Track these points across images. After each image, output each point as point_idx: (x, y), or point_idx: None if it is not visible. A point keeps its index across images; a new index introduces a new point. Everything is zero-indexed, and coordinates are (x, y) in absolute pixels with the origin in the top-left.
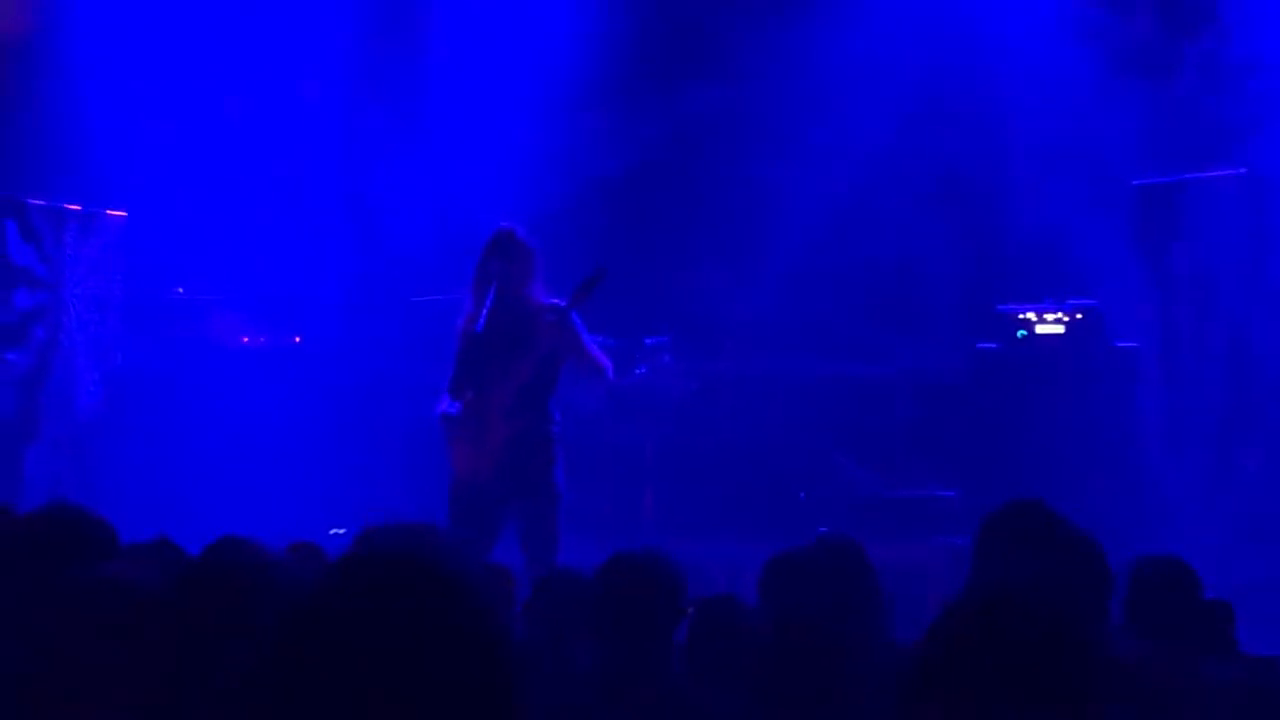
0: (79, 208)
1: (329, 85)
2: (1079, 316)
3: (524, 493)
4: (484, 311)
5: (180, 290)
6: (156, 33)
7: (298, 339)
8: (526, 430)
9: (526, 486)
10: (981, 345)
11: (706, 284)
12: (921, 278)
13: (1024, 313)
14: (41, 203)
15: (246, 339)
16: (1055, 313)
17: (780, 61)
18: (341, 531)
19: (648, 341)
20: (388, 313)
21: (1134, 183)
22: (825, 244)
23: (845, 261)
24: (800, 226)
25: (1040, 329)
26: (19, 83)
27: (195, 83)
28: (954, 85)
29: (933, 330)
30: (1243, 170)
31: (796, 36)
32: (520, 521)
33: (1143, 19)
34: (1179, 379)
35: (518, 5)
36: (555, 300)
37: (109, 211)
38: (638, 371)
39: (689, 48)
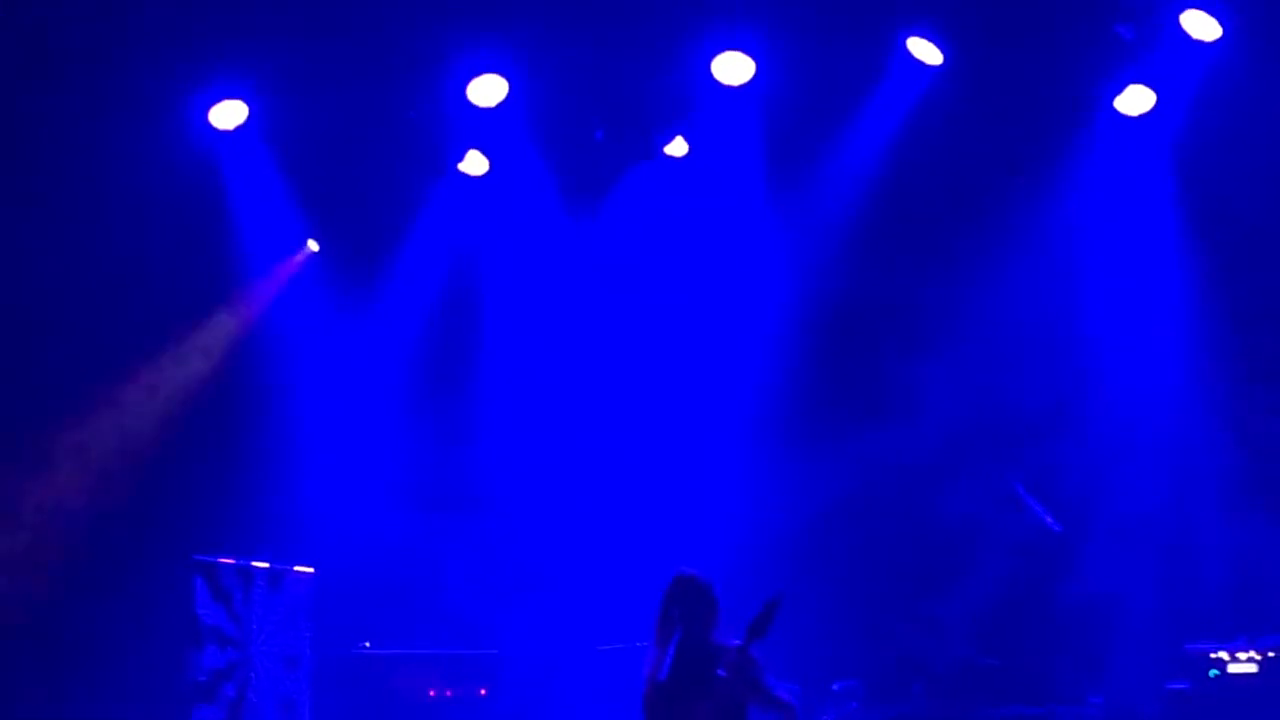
0: (266, 565)
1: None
2: (1272, 655)
3: None
4: (668, 659)
5: (367, 645)
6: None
7: (483, 691)
8: None
9: None
10: (1171, 685)
11: (893, 629)
12: (1111, 615)
13: (1215, 651)
14: (230, 560)
15: (433, 692)
16: (1248, 650)
17: (964, 405)
18: None
19: (835, 687)
20: (574, 662)
21: None
22: (1014, 582)
23: (1033, 601)
24: (988, 563)
25: (1233, 668)
26: (209, 442)
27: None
28: (1138, 421)
29: (1124, 670)
30: None
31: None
32: None
33: None
34: None
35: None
36: (734, 641)
37: (296, 568)
38: (826, 718)
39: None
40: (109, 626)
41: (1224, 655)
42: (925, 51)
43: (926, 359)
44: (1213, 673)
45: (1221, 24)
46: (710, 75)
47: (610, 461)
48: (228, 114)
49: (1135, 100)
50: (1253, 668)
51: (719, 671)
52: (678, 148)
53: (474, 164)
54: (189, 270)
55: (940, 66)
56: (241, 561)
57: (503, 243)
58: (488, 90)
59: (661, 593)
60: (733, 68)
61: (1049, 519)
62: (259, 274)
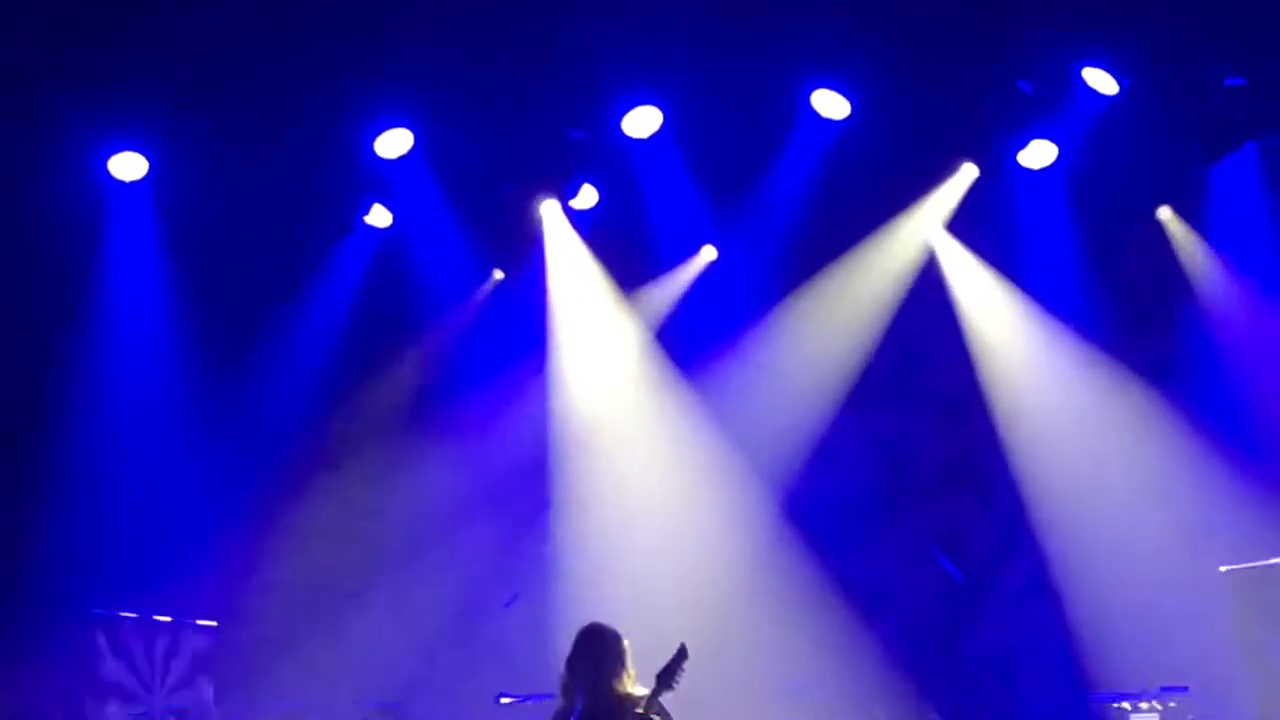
0: (169, 619)
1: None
2: (1172, 705)
3: None
4: (576, 710)
5: (270, 701)
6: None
7: None
8: None
9: None
10: None
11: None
12: (1016, 666)
13: (1118, 702)
14: (132, 615)
15: None
16: (1150, 701)
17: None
18: None
19: None
20: (477, 715)
21: (1222, 569)
22: (921, 638)
23: (940, 656)
24: (897, 623)
25: (1135, 718)
26: (106, 499)
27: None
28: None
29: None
30: None
31: None
32: None
33: None
34: None
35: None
36: (641, 691)
37: (199, 622)
38: None
39: None
40: (6, 683)
41: (1126, 706)
42: (832, 104)
43: (843, 413)
44: None
45: (1119, 81)
46: (619, 128)
47: (513, 508)
48: (128, 166)
49: (1037, 154)
50: (1154, 718)
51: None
52: (586, 199)
53: (379, 217)
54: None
55: (847, 120)
56: (143, 615)
57: (410, 295)
58: (393, 143)
59: (570, 645)
60: (641, 120)
61: (954, 571)
62: (135, 329)
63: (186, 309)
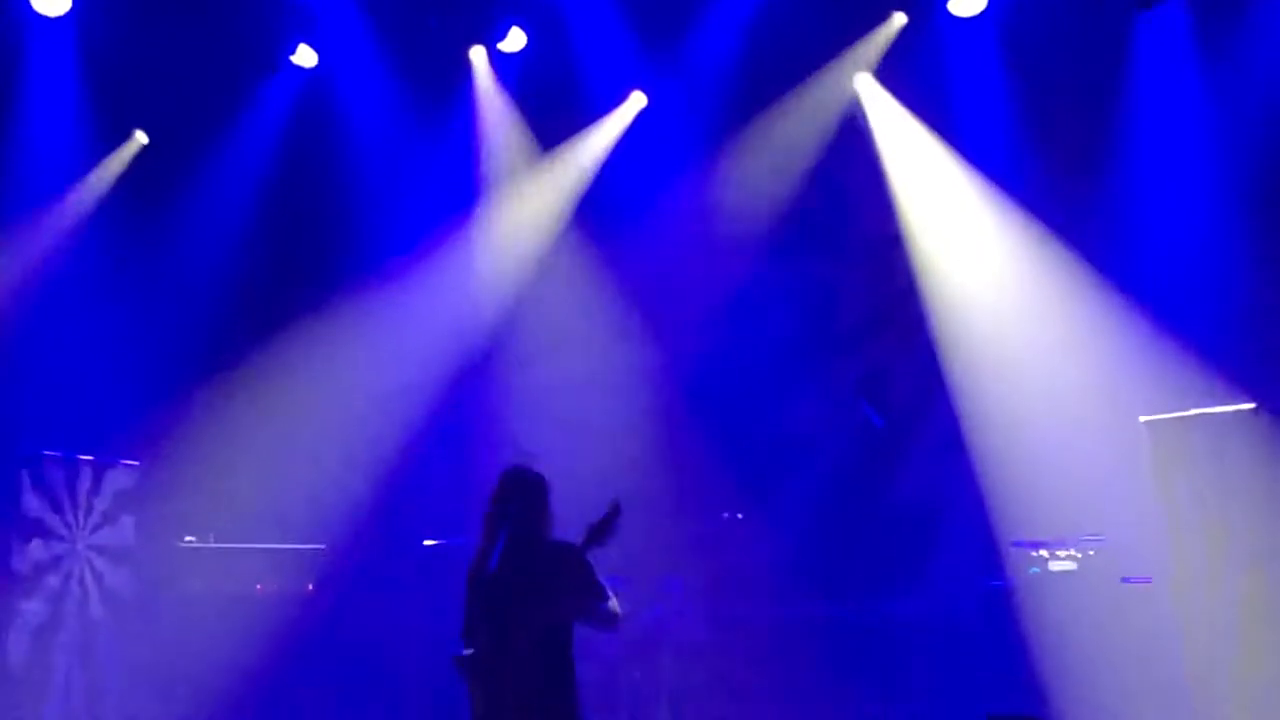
0: (91, 458)
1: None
2: (1091, 553)
3: None
4: (496, 552)
5: (191, 539)
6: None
7: (310, 586)
8: (542, 672)
9: None
10: (992, 583)
11: (723, 527)
12: (936, 519)
13: (1036, 550)
14: (55, 454)
15: (260, 586)
16: (1068, 549)
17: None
18: None
19: (664, 583)
20: (402, 558)
21: (1141, 419)
22: (842, 487)
23: (862, 503)
24: (818, 472)
25: (1053, 565)
26: (28, 339)
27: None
28: (967, 331)
29: (949, 568)
30: (1251, 405)
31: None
32: None
33: None
34: (1191, 612)
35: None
36: (569, 541)
37: (123, 461)
38: (653, 613)
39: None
40: None
41: (1044, 554)
42: None
43: (764, 262)
44: (1033, 570)
45: None
46: None
47: (446, 360)
48: (50, 1)
49: (968, 2)
50: (1072, 565)
51: (551, 568)
52: (514, 42)
53: (305, 57)
54: None
55: None
56: (67, 454)
57: (335, 139)
58: None
59: (492, 487)
60: None
61: (875, 418)
62: (55, 168)
63: (107, 148)
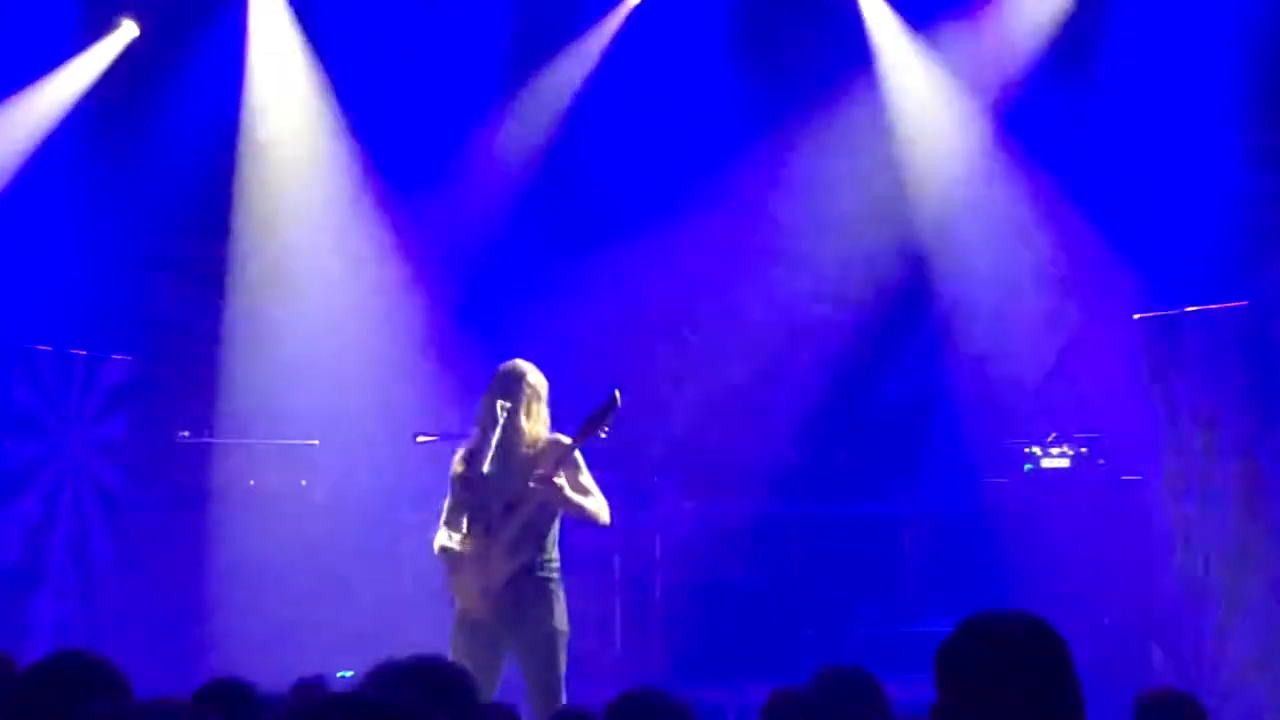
0: (84, 353)
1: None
2: (1083, 450)
3: (524, 631)
4: (489, 448)
5: (185, 434)
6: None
7: (304, 482)
8: (527, 567)
9: (526, 624)
10: (986, 479)
11: (716, 424)
12: (930, 415)
13: (1029, 446)
14: (47, 348)
15: (253, 482)
16: (1061, 446)
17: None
18: (350, 674)
19: (656, 479)
20: (392, 451)
21: (1135, 316)
22: (833, 386)
23: (853, 402)
24: (807, 369)
25: (1046, 462)
26: (14, 231)
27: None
28: (956, 228)
29: (941, 467)
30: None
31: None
32: (521, 660)
33: None
34: (1186, 511)
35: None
36: (560, 435)
37: (114, 356)
38: (645, 511)
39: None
40: None
41: (1037, 450)
42: None
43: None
44: (1027, 467)
45: None
46: None
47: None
48: None
49: None
50: (1065, 462)
51: (541, 462)
52: None
53: None
54: None
55: None
56: (58, 348)
57: None
58: None
59: (486, 382)
60: None
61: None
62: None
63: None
